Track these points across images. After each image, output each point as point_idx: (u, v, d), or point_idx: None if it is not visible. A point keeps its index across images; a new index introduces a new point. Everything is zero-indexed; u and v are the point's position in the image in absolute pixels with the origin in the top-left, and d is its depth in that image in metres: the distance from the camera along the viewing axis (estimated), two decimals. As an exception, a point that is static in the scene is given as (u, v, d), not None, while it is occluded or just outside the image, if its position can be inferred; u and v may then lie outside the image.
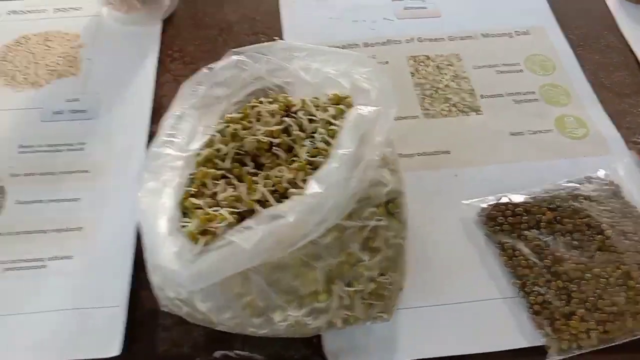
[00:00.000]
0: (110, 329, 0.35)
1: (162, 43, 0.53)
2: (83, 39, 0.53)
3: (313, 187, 0.29)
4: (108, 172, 0.43)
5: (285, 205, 0.29)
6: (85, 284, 0.38)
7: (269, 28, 0.54)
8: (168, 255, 0.29)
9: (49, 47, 0.52)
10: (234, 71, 0.38)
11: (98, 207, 0.41)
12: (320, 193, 0.29)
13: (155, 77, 0.50)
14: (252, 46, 0.38)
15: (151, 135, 0.45)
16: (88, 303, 0.37)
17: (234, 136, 0.35)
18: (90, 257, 0.39)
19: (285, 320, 0.31)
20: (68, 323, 0.36)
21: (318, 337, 0.35)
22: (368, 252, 0.32)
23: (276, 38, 0.52)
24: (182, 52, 0.52)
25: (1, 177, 0.42)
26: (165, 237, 0.29)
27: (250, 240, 0.28)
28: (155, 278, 0.31)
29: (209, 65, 0.37)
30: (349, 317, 0.32)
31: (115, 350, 0.34)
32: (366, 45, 0.52)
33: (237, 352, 0.34)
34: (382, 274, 0.32)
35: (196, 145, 0.35)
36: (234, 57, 0.38)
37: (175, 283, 0.30)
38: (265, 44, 0.38)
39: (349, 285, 0.32)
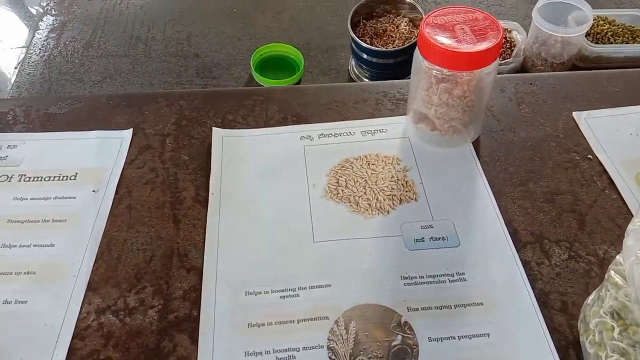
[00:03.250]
0: None
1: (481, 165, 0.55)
2: (405, 162, 0.55)
3: None
4: (500, 305, 0.44)
5: None
6: None
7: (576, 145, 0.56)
8: None
9: (375, 170, 0.54)
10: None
11: (509, 343, 0.42)
12: None
13: (494, 199, 0.51)
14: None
15: (523, 264, 0.46)
16: None
17: None
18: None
19: None
20: None
21: None
22: None
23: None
24: (505, 173, 0.54)
25: (402, 312, 0.44)
26: None
27: None
28: None
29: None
30: None
31: None
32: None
33: None
34: None
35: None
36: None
37: None
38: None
39: None
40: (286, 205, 0.52)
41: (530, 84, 0.63)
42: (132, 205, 0.52)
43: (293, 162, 0.55)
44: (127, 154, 0.57)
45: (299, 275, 0.46)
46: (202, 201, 0.52)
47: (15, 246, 0.49)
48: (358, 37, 1.21)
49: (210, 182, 0.53)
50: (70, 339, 0.42)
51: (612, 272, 0.40)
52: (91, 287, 0.46)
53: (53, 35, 1.43)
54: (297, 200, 0.52)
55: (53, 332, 0.43)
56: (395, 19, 1.29)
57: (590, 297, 0.42)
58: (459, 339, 0.42)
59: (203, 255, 0.48)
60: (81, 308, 0.44)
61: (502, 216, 0.50)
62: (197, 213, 0.51)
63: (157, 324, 0.44)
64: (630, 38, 1.31)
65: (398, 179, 0.54)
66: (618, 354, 0.37)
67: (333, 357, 0.41)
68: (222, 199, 0.52)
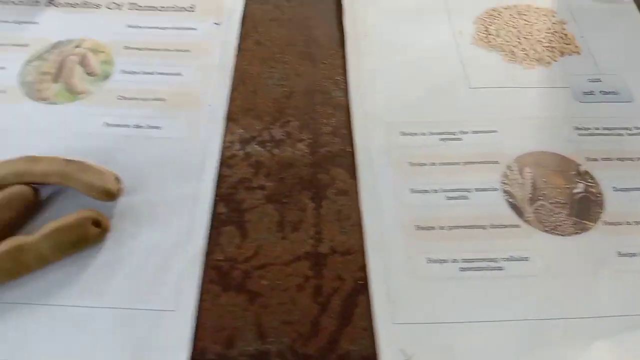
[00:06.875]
0: None
1: (647, 21, 0.49)
2: (560, 15, 0.49)
3: None
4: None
5: None
6: None
7: None
8: None
9: (528, 21, 0.49)
10: None
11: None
12: None
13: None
14: None
15: None
16: None
17: None
18: None
19: None
20: None
21: None
22: None
23: None
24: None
25: (581, 161, 0.39)
26: None
27: None
28: None
29: None
30: None
31: None
32: None
33: None
34: None
35: None
36: None
37: None
38: None
39: None
40: (430, 50, 0.46)
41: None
42: (261, 40, 0.47)
43: (433, 8, 0.50)
44: (248, -11, 0.51)
45: (458, 120, 0.42)
46: (337, 42, 0.47)
47: (138, 73, 0.44)
48: None
49: (346, 23, 0.48)
50: (217, 165, 0.39)
51: None
52: (230, 118, 0.41)
53: None
54: (442, 45, 0.47)
55: (195, 158, 0.39)
56: None
57: None
58: (645, 190, 0.38)
59: (346, 94, 0.43)
60: (224, 137, 0.40)
61: (680, 74, 0.45)
62: (334, 53, 0.46)
63: (310, 157, 0.40)
64: None
65: (555, 31, 0.48)
66: None
67: (511, 199, 0.37)
68: (360, 41, 0.47)
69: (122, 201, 0.37)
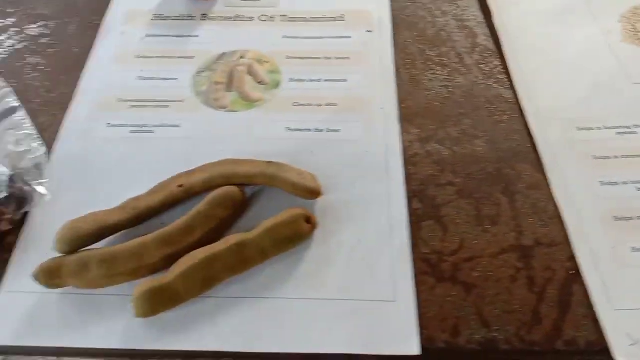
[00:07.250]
0: None
1: None
2: None
3: None
4: None
5: None
6: None
7: None
8: None
9: (673, 17, 0.49)
10: None
11: None
12: None
13: None
14: None
15: None
16: None
17: None
18: None
19: None
20: None
21: None
22: None
23: None
24: None
25: None
26: None
27: None
28: None
29: None
30: None
31: None
32: None
33: None
34: None
35: None
36: None
37: None
38: None
39: None
40: (583, 48, 0.47)
41: None
42: (414, 44, 0.49)
43: (575, 8, 0.51)
44: (391, -2, 0.53)
45: (629, 114, 0.43)
46: (489, 42, 0.48)
47: (305, 80, 0.46)
48: None
49: (497, 24, 0.49)
50: (402, 164, 0.40)
51: None
52: (404, 119, 0.43)
53: None
54: (593, 44, 0.48)
55: (378, 158, 0.41)
56: None
57: None
58: None
59: (513, 92, 0.44)
60: (402, 137, 0.42)
61: None
62: (491, 54, 0.48)
63: (490, 153, 0.41)
64: None
65: None
66: None
67: (703, 189, 0.38)
68: (514, 41, 0.48)
69: (319, 200, 0.38)
